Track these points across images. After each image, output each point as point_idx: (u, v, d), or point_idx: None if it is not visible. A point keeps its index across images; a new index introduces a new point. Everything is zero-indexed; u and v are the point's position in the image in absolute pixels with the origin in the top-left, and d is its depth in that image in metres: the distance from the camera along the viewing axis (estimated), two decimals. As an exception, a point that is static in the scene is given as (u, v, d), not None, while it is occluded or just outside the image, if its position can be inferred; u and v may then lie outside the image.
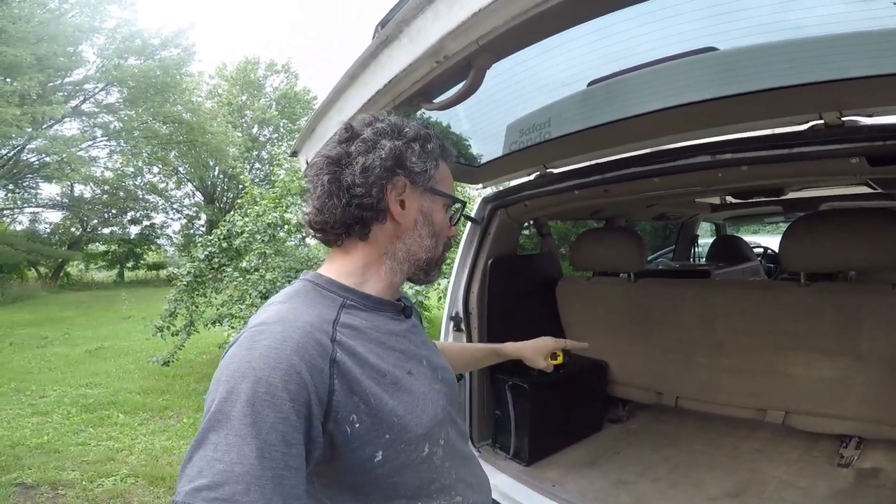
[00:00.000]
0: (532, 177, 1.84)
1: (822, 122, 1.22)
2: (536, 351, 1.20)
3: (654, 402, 2.13)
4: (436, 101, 0.93)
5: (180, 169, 20.29)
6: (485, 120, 1.71)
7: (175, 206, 20.74)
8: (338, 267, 0.75)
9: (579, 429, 2.05)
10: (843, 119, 1.19)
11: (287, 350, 0.59)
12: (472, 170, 1.90)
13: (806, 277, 1.67)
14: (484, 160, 1.87)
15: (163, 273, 17.89)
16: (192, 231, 20.71)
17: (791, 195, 2.85)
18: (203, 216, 20.86)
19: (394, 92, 0.92)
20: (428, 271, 0.79)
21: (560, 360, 1.24)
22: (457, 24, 0.69)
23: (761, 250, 5.00)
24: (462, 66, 0.77)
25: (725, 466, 1.73)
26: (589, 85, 1.45)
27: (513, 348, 1.21)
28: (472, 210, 2.08)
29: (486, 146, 1.85)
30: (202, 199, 21.74)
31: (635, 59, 1.29)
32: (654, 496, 1.59)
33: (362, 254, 0.74)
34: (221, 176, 21.46)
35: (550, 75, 1.47)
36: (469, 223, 2.07)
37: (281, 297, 0.71)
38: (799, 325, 1.70)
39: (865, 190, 2.75)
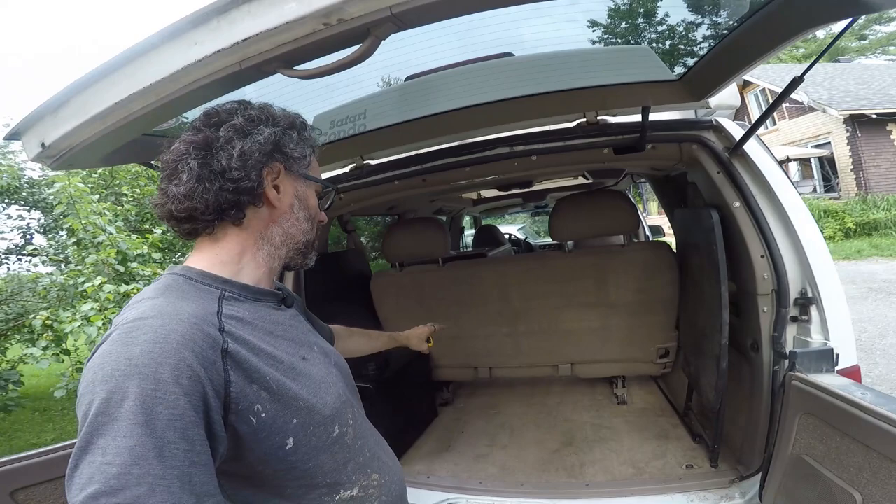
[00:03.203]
0: (348, 168, 1.79)
1: (584, 120, 1.57)
2: (418, 337, 1.46)
3: (472, 378, 2.34)
4: (299, 67, 0.81)
5: None
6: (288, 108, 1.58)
7: None
8: (209, 257, 0.71)
9: (422, 418, 2.12)
10: (598, 118, 1.56)
11: (173, 343, 0.55)
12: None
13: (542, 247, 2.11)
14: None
15: None
16: None
17: (531, 188, 3.55)
18: None
19: (244, 52, 0.77)
20: (306, 254, 0.80)
21: (431, 343, 1.49)
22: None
23: (507, 236, 6.06)
24: (355, 34, 0.70)
25: (547, 422, 2.04)
26: (407, 80, 1.50)
27: (402, 336, 1.43)
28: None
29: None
30: None
31: (453, 58, 1.41)
32: (513, 461, 1.76)
33: (237, 240, 0.72)
34: None
35: (367, 67, 1.47)
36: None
37: (150, 293, 0.64)
38: (569, 285, 2.13)
39: (581, 181, 3.64)
